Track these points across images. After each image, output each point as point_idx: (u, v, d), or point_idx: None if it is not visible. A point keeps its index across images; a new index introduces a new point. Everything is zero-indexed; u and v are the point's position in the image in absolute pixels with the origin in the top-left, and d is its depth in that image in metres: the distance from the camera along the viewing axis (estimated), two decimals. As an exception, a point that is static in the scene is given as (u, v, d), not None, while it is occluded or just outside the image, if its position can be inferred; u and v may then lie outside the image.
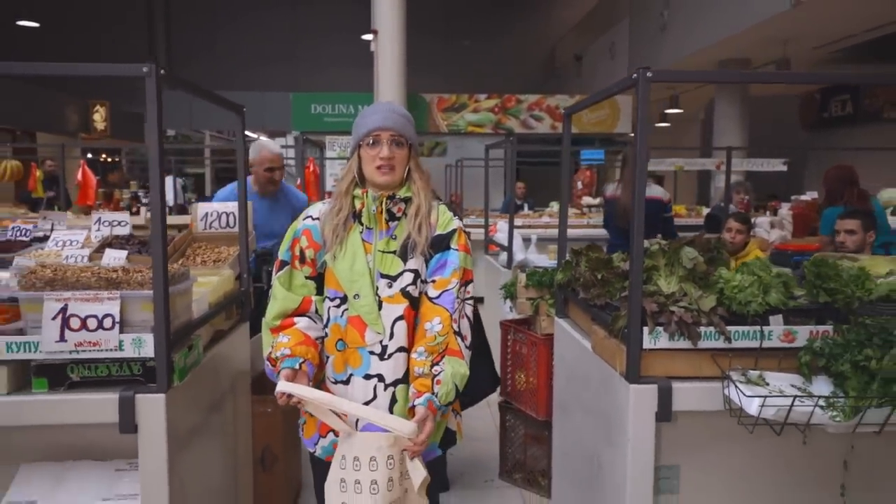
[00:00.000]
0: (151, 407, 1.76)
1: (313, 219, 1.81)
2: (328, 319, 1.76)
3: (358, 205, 1.76)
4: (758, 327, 1.87)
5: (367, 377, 1.70)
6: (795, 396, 1.69)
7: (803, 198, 6.09)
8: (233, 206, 2.81)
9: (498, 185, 10.62)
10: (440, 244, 1.77)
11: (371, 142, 1.74)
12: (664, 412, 1.85)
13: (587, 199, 8.00)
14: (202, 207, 2.91)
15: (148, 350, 1.76)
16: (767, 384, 1.80)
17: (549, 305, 2.97)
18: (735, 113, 11.51)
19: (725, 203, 5.28)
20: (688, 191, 14.26)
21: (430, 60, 15.89)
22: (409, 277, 1.72)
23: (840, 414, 1.70)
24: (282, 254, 1.80)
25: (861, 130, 10.93)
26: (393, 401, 1.70)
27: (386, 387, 1.70)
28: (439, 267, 1.75)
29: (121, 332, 1.76)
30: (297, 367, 1.66)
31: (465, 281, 1.76)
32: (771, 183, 11.33)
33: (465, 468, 3.53)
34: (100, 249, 2.59)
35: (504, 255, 4.66)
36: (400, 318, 1.71)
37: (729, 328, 1.86)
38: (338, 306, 1.74)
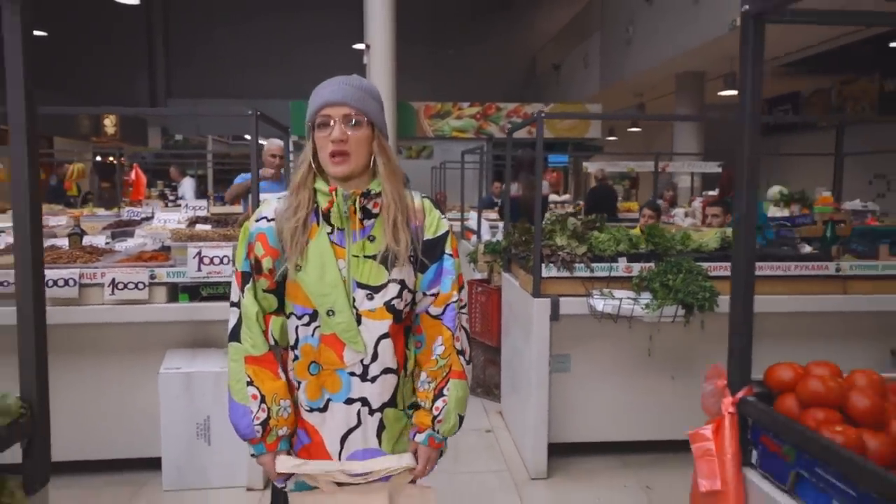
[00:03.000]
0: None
1: (268, 220, 1.49)
2: (296, 340, 1.49)
3: (324, 203, 1.46)
4: (610, 263, 3.14)
5: (350, 401, 1.47)
6: (622, 300, 2.96)
7: (711, 193, 7.38)
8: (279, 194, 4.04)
9: (483, 184, 11.95)
10: (434, 251, 1.52)
11: (321, 122, 1.43)
12: (555, 314, 3.11)
13: (553, 197, 9.28)
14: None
15: (248, 277, 3.00)
16: (613, 296, 3.06)
17: (499, 266, 4.22)
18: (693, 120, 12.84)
19: (654, 198, 6.58)
20: (649, 189, 15.60)
21: (418, 69, 17.10)
22: (394, 289, 1.46)
23: (649, 310, 2.97)
24: (240, 264, 1.50)
25: (800, 137, 12.32)
26: (381, 427, 1.49)
27: (372, 412, 1.47)
28: (436, 278, 1.51)
29: (234, 264, 2.99)
30: (290, 450, 1.50)
31: (460, 288, 1.54)
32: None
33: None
34: (191, 224, 3.81)
35: (475, 238, 5.93)
36: (384, 335, 1.46)
37: (592, 264, 3.12)
38: (307, 324, 1.47)
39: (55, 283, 2.88)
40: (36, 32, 15.76)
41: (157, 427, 3.02)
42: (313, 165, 1.46)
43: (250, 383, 1.47)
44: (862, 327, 3.26)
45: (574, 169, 13.27)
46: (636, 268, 3.14)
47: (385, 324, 1.45)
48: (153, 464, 3.08)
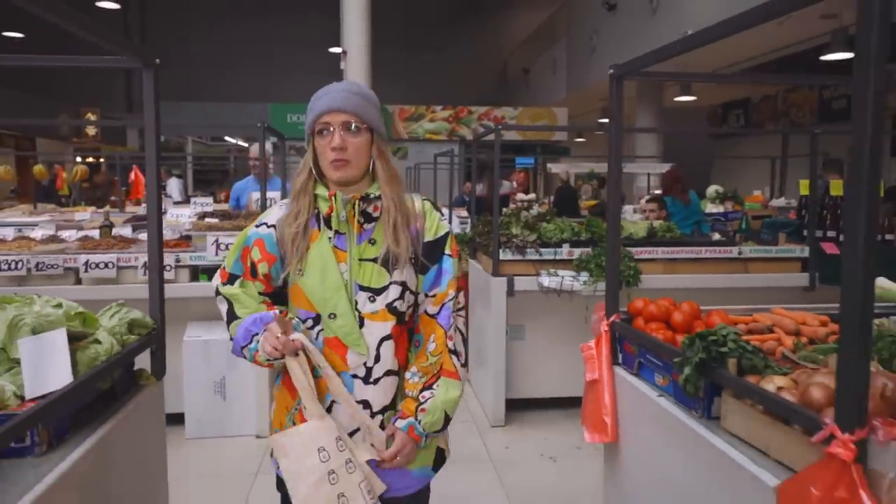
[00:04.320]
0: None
1: (268, 226, 1.52)
2: None
3: (325, 208, 1.48)
4: (555, 249, 3.83)
5: (333, 404, 1.48)
6: (564, 277, 3.66)
7: (658, 192, 8.14)
8: (276, 195, 4.67)
9: (455, 185, 12.63)
10: (434, 252, 1.54)
11: (321, 129, 1.46)
12: (510, 291, 3.79)
13: (520, 196, 10.00)
14: (255, 195, 4.76)
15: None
16: (558, 275, 3.76)
17: (466, 255, 4.90)
18: (653, 122, 13.64)
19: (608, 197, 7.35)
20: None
21: (393, 73, 17.71)
22: (395, 291, 1.48)
23: (586, 286, 3.67)
24: (230, 265, 1.54)
25: (750, 139, 13.23)
26: (382, 429, 1.50)
27: (373, 414, 1.49)
28: (437, 279, 1.53)
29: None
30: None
31: (458, 289, 1.56)
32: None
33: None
34: (201, 217, 4.42)
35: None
36: (387, 337, 1.48)
37: (541, 249, 3.81)
38: (311, 328, 1.49)
39: (96, 265, 3.49)
40: (12, 34, 16.14)
41: (180, 386, 3.63)
42: (314, 171, 1.49)
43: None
44: (758, 299, 4.00)
45: (542, 170, 14.02)
46: (577, 252, 3.84)
47: (388, 325, 1.47)
48: (177, 418, 3.68)
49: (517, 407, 4.01)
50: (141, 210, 5.85)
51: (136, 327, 1.71)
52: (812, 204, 3.99)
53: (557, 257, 3.83)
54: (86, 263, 3.47)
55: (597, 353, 1.95)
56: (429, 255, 1.53)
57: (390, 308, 1.48)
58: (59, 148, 15.48)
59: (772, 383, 1.33)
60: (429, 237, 1.53)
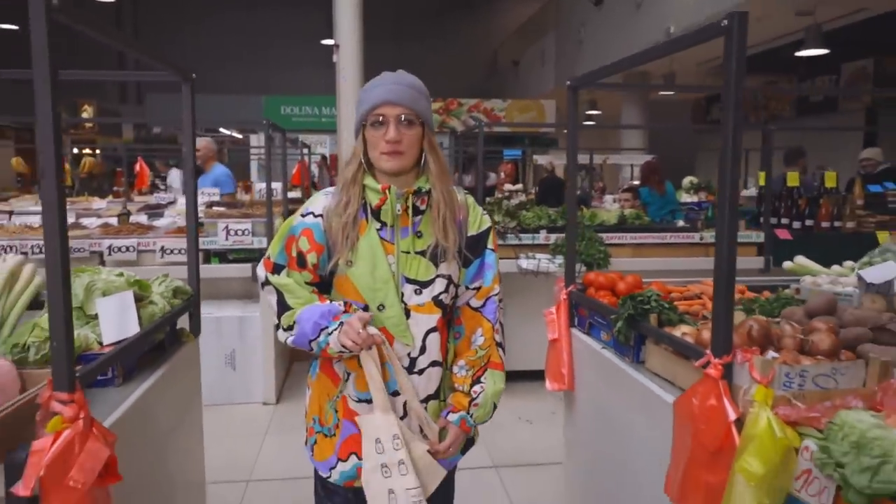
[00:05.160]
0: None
1: (315, 216, 1.52)
2: None
3: (375, 200, 1.48)
4: (533, 234, 4.23)
5: (396, 394, 1.50)
6: (541, 260, 4.06)
7: (635, 183, 8.57)
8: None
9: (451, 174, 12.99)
10: (477, 246, 1.56)
11: (375, 121, 1.46)
12: (492, 272, 4.19)
13: (508, 186, 10.38)
14: (257, 185, 5.14)
15: (263, 244, 4.01)
16: (535, 258, 4.15)
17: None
18: (638, 115, 14.02)
19: (589, 188, 7.76)
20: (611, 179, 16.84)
21: (385, 66, 17.88)
22: (441, 284, 1.50)
23: (561, 268, 4.07)
24: (274, 255, 1.55)
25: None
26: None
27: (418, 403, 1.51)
28: (479, 272, 1.56)
29: (253, 235, 4.00)
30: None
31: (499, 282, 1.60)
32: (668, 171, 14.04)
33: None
34: (209, 206, 4.79)
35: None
36: (433, 329, 1.51)
37: (521, 235, 4.21)
38: None
39: (118, 249, 3.86)
40: (7, 26, 16.31)
41: (194, 358, 4.02)
42: (363, 162, 1.49)
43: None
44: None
45: (530, 161, 14.42)
46: (553, 237, 4.24)
47: (433, 318, 1.49)
48: (190, 387, 4.08)
49: (499, 378, 4.42)
50: (152, 199, 6.20)
51: (179, 293, 2.10)
52: (767, 194, 4.39)
53: (535, 242, 4.23)
54: (109, 247, 3.84)
55: (557, 317, 2.36)
56: (472, 248, 1.55)
57: (436, 301, 1.50)
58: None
59: (679, 330, 1.73)
60: (472, 231, 1.56)
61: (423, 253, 1.49)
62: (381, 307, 1.47)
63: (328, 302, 1.49)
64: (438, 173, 1.50)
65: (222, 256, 4.01)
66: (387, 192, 1.46)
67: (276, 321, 1.52)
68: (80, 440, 1.25)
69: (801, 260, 2.63)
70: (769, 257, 4.38)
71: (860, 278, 1.87)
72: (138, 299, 1.87)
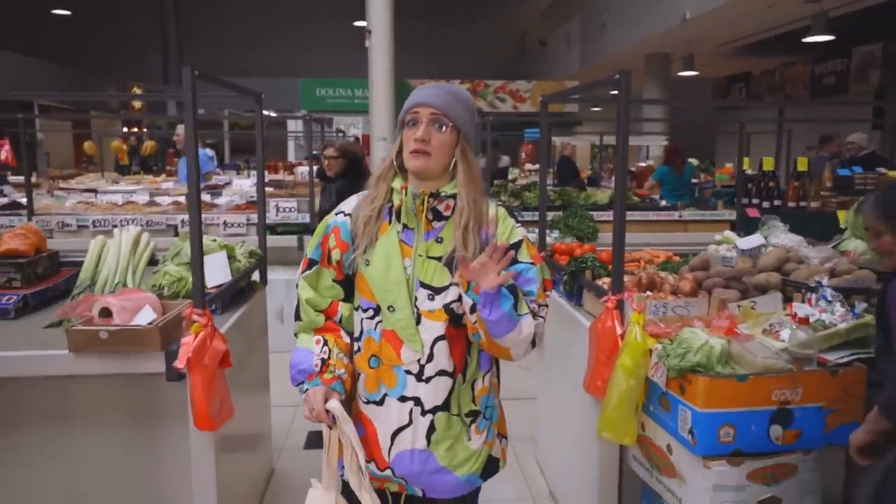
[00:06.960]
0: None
1: (345, 214, 1.56)
2: (361, 332, 1.56)
3: (397, 200, 1.50)
4: (534, 212, 4.96)
5: (403, 399, 1.50)
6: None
7: (641, 164, 9.21)
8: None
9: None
10: None
11: (409, 120, 1.49)
12: (498, 244, 4.95)
13: (528, 166, 11.07)
14: (299, 168, 5.96)
15: (307, 220, 4.83)
16: (535, 232, 4.89)
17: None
18: (659, 95, 14.41)
19: (599, 170, 8.44)
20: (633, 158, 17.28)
21: (414, 47, 18.54)
22: (455, 292, 1.47)
23: (554, 241, 4.81)
24: (311, 251, 1.59)
25: (751, 112, 14.02)
26: (431, 429, 1.51)
27: (424, 412, 1.49)
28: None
29: (297, 212, 4.82)
30: (342, 396, 1.50)
31: (546, 292, 1.56)
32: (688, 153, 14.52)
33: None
34: (260, 188, 5.62)
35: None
36: (441, 337, 1.48)
37: (523, 212, 4.95)
38: (371, 318, 1.53)
39: (185, 224, 4.71)
40: (61, 12, 17.29)
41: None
42: (395, 162, 1.52)
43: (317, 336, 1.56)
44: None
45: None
46: (551, 215, 4.97)
47: (442, 325, 1.47)
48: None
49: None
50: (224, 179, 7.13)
51: (253, 255, 2.92)
52: (740, 176, 5.04)
53: (535, 219, 4.96)
54: (182, 221, 4.70)
55: (531, 276, 3.12)
56: None
57: (447, 308, 1.48)
58: (108, 121, 16.72)
59: (603, 281, 2.48)
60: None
61: (439, 258, 1.49)
62: (391, 308, 1.49)
63: (319, 343, 1.54)
64: (466, 181, 1.49)
65: (272, 229, 4.84)
66: (403, 191, 1.49)
67: (294, 316, 1.65)
68: (209, 338, 2.07)
69: (727, 234, 3.33)
70: (740, 233, 5.04)
71: (736, 246, 2.59)
72: (229, 258, 2.69)
